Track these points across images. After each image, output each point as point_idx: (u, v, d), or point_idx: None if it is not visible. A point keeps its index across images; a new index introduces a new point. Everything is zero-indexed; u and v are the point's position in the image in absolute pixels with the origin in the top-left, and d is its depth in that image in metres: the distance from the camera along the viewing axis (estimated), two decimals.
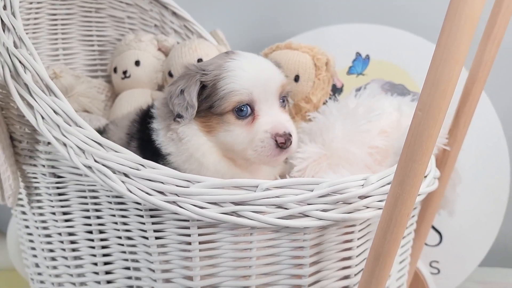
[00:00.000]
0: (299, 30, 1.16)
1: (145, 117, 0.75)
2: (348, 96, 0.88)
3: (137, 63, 1.02)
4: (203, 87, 0.69)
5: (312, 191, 0.59)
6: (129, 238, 0.70)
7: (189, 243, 0.64)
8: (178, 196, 0.61)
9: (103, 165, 0.65)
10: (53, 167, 0.75)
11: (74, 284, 0.79)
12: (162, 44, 1.04)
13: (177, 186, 0.61)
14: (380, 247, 0.53)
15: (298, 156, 0.75)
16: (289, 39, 1.15)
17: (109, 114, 1.04)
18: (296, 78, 0.90)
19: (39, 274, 0.85)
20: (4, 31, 0.72)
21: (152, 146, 0.72)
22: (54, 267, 0.81)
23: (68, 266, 0.79)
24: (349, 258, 0.64)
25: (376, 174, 0.61)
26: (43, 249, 0.81)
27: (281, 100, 0.72)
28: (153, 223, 0.66)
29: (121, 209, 0.69)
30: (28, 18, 0.99)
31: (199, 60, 0.95)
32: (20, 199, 0.83)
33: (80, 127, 0.68)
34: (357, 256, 0.65)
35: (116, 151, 0.66)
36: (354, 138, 0.74)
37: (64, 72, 0.94)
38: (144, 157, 0.69)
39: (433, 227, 1.07)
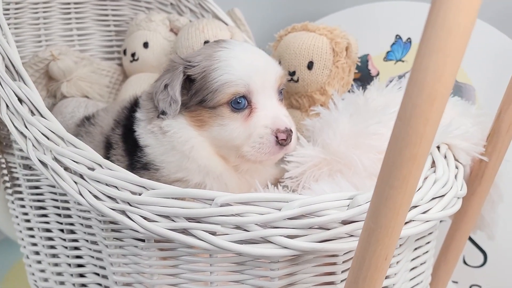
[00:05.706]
0: (329, 10, 1.01)
1: (134, 106, 0.70)
2: (370, 88, 0.74)
3: (145, 44, 0.94)
4: (191, 80, 0.63)
5: (280, 210, 0.47)
6: (94, 242, 0.64)
7: (147, 258, 0.55)
8: (130, 205, 0.52)
9: (59, 161, 0.57)
10: (26, 158, 0.69)
11: (55, 282, 0.74)
12: (173, 24, 0.95)
13: (131, 192, 0.52)
14: None
15: (291, 160, 0.63)
16: (318, 20, 1.01)
17: (116, 99, 0.97)
18: (310, 65, 0.77)
19: (30, 266, 0.81)
20: None
21: (133, 136, 0.66)
22: (39, 262, 0.76)
23: (49, 263, 0.74)
24: None
25: (366, 193, 0.48)
26: (28, 243, 0.77)
27: (279, 93, 0.66)
28: (112, 230, 0.58)
29: (83, 210, 0.62)
30: None
31: (206, 42, 0.85)
32: (8, 188, 0.79)
33: (44, 117, 0.61)
34: None
35: (75, 147, 0.58)
36: (360, 141, 0.61)
37: (63, 55, 0.88)
38: (126, 146, 0.66)
39: (477, 246, 0.90)
